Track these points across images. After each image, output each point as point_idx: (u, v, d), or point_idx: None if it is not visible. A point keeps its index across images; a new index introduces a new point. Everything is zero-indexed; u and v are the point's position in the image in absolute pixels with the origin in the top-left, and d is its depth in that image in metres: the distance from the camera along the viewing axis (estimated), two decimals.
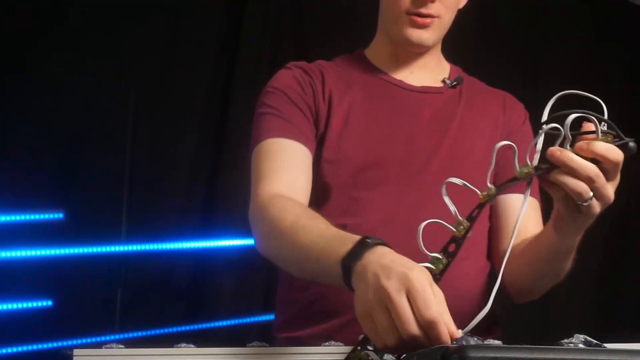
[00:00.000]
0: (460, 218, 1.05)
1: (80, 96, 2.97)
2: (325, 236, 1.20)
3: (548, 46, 3.26)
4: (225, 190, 3.11)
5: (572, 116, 1.04)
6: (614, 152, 1.07)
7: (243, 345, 1.05)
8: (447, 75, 1.66)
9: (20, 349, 2.73)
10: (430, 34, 1.55)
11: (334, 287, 1.49)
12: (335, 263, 1.09)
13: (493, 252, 1.60)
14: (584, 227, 1.22)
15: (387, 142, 1.56)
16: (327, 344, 1.06)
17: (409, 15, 1.52)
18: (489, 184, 1.07)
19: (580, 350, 0.87)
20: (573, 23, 3.31)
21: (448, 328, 0.95)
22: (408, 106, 1.60)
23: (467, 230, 1.05)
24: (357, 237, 1.09)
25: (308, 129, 1.54)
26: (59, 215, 2.82)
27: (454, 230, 1.05)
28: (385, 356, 0.96)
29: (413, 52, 1.60)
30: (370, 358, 0.97)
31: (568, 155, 1.05)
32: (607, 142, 1.06)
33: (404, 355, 0.94)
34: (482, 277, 1.58)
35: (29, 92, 2.93)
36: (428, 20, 1.52)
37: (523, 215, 1.11)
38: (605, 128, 1.06)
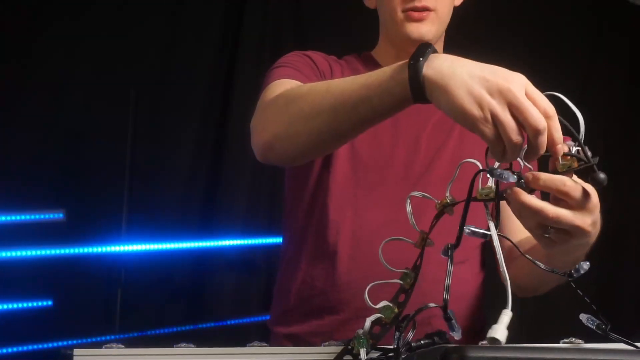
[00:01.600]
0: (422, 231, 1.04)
1: (80, 96, 2.97)
2: (366, 74, 1.15)
3: (547, 44, 3.26)
4: (226, 190, 3.11)
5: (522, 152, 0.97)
6: (558, 183, 0.98)
7: (243, 345, 1.04)
8: None
9: (20, 349, 2.73)
10: (429, 27, 1.55)
11: (334, 284, 1.49)
12: (396, 76, 1.06)
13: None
14: (580, 247, 1.13)
15: (391, 143, 1.56)
16: (326, 343, 1.05)
17: (404, 12, 1.54)
18: (448, 194, 1.03)
19: (581, 350, 0.87)
20: (573, 21, 3.31)
21: (553, 135, 0.95)
22: (413, 108, 1.59)
23: (424, 243, 1.03)
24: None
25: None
26: (59, 215, 2.82)
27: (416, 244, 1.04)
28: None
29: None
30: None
31: (515, 198, 0.99)
32: (569, 167, 0.98)
33: (403, 355, 0.94)
34: (478, 281, 1.58)
35: (29, 92, 2.93)
36: (424, 13, 1.54)
37: None
38: (575, 148, 0.97)
